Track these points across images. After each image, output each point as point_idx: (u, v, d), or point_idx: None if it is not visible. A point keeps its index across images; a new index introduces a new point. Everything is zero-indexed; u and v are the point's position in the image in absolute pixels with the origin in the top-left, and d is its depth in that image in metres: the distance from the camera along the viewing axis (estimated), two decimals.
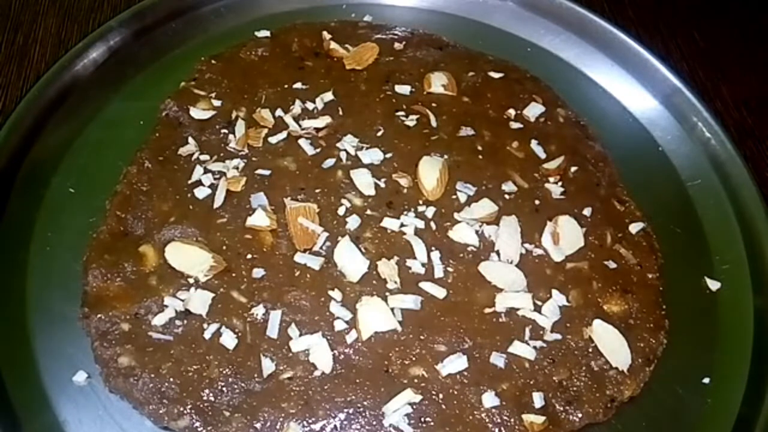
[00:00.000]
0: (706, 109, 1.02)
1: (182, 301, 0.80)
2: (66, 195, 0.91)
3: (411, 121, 0.98)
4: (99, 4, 1.19)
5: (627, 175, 0.98)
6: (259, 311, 0.80)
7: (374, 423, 0.75)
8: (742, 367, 0.84)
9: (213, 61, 1.03)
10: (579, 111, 1.04)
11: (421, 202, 0.90)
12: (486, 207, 0.89)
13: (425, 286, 0.83)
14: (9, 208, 0.88)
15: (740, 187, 0.96)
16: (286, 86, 1.01)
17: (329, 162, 0.92)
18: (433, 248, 0.86)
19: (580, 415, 0.78)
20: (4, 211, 0.87)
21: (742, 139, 1.09)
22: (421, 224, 0.87)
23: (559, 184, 0.94)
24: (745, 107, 1.15)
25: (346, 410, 0.75)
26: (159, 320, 0.79)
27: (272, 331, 0.79)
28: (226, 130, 0.95)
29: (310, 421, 0.75)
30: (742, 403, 0.81)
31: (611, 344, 0.81)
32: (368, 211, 0.88)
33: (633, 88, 1.08)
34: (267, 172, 0.91)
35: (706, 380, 0.83)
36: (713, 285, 0.90)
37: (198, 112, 0.96)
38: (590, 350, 0.81)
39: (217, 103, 0.98)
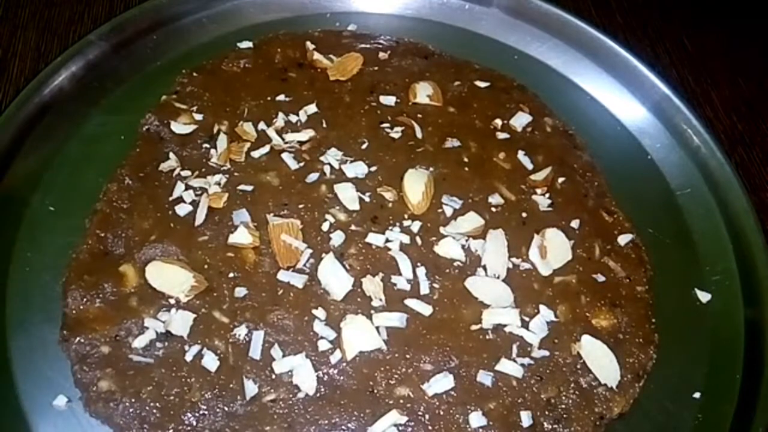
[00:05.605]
0: (696, 116, 1.01)
1: (163, 322, 0.79)
2: (46, 213, 0.89)
3: (396, 133, 0.96)
4: (79, 17, 1.17)
5: (615, 185, 0.97)
6: (241, 332, 0.79)
7: None
8: (733, 381, 0.83)
9: (194, 74, 1.01)
10: (567, 119, 1.03)
11: (406, 216, 0.88)
12: (472, 220, 0.88)
13: (411, 303, 0.82)
14: None
15: (730, 196, 0.95)
16: (268, 98, 0.99)
17: (313, 176, 0.91)
18: (418, 264, 0.85)
19: None
20: None
21: (732, 145, 1.09)
22: (406, 239, 0.86)
23: (547, 195, 0.93)
24: (735, 113, 1.14)
25: None
26: (139, 342, 0.78)
27: (255, 352, 0.77)
28: (207, 145, 0.93)
29: None
30: (733, 418, 0.80)
31: (600, 360, 0.80)
32: (353, 227, 0.87)
33: (621, 96, 1.06)
34: (249, 188, 0.89)
35: (697, 395, 0.82)
36: (704, 297, 0.89)
37: (179, 127, 0.95)
38: (578, 367, 0.80)
39: (198, 116, 0.96)
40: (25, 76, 1.09)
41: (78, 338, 0.78)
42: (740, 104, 1.15)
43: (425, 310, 0.81)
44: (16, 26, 1.16)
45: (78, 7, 1.18)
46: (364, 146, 0.95)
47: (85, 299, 0.81)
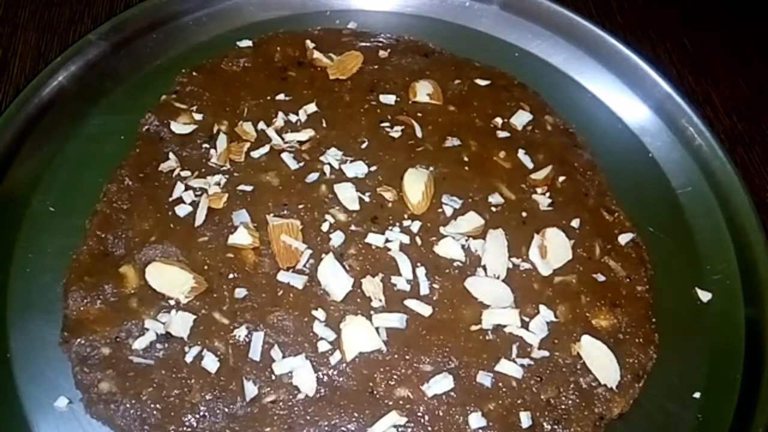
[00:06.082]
0: (697, 115, 1.01)
1: (163, 323, 0.79)
2: (46, 214, 0.89)
3: (396, 133, 0.96)
4: (79, 16, 1.17)
5: (616, 184, 0.97)
6: (241, 333, 0.79)
7: None
8: (733, 381, 0.83)
9: (194, 73, 1.01)
10: (567, 117, 1.02)
11: (406, 216, 0.88)
12: (472, 220, 0.88)
13: (410, 303, 0.82)
14: None
15: (731, 195, 0.95)
16: (268, 98, 0.99)
17: (313, 176, 0.91)
18: (418, 264, 0.84)
19: None
20: None
21: (732, 145, 1.08)
22: (406, 239, 0.86)
23: (547, 195, 0.93)
24: (735, 113, 1.14)
25: None
26: (140, 344, 0.78)
27: (255, 353, 0.77)
28: (207, 145, 0.93)
29: None
30: (733, 418, 0.80)
31: (600, 360, 0.80)
32: (352, 227, 0.87)
33: (623, 94, 1.06)
34: (249, 188, 0.89)
35: (697, 395, 0.82)
36: (704, 296, 0.89)
37: (179, 127, 0.94)
38: (578, 367, 0.80)
39: (198, 116, 0.96)
40: (25, 76, 1.08)
41: (78, 340, 0.78)
42: (740, 104, 1.15)
43: (425, 310, 0.81)
44: (16, 26, 1.15)
45: (78, 7, 1.18)
46: (363, 146, 0.94)
47: (85, 300, 0.81)
